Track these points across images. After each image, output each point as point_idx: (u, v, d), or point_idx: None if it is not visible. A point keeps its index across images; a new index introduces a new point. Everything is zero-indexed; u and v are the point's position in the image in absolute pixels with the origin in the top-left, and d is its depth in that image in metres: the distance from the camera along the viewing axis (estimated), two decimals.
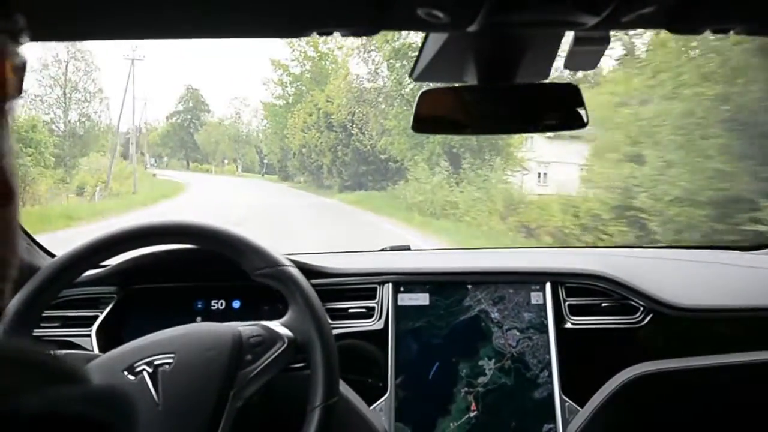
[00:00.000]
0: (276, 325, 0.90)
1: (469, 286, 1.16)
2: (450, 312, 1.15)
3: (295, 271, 0.94)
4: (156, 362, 0.83)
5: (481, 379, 1.12)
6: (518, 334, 1.14)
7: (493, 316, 1.15)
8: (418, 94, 0.72)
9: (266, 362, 0.86)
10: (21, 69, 0.28)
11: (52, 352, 0.25)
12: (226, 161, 50.13)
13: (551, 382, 1.11)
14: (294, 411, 0.87)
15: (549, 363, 1.12)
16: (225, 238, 0.95)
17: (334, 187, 20.97)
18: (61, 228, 9.90)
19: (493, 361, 1.13)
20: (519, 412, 1.11)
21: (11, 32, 0.28)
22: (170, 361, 0.83)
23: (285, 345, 0.88)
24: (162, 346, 0.85)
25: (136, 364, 0.83)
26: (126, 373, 0.82)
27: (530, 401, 1.11)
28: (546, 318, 1.14)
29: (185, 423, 0.80)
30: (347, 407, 1.02)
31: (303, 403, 0.86)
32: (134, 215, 12.90)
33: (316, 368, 0.87)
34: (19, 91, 0.28)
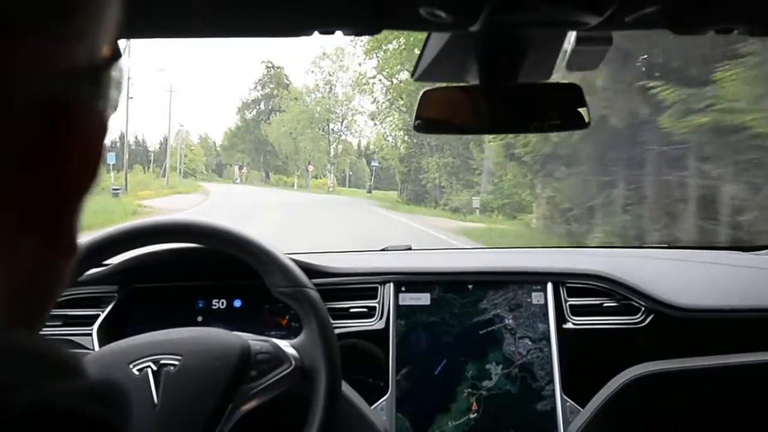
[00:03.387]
0: (286, 345, 0.90)
1: (470, 286, 1.15)
2: (465, 312, 1.14)
3: (315, 296, 0.93)
4: (162, 362, 0.82)
5: (486, 383, 1.11)
6: (530, 343, 1.13)
7: (507, 322, 1.14)
8: (420, 94, 0.72)
9: (270, 381, 0.85)
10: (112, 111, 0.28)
11: (49, 342, 0.24)
12: (311, 168, 29.50)
13: (555, 395, 1.10)
14: (292, 425, 0.86)
15: (552, 368, 1.11)
16: (252, 248, 0.94)
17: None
18: None
19: (500, 366, 1.12)
20: (520, 421, 1.10)
21: (117, 84, 0.27)
22: (176, 363, 0.82)
23: (291, 368, 0.87)
24: (170, 346, 0.85)
25: (142, 360, 0.82)
26: (131, 366, 0.82)
27: (533, 412, 1.10)
28: (547, 318, 1.14)
29: (179, 429, 0.79)
30: (348, 407, 1.02)
31: (302, 417, 0.85)
32: None
33: (317, 399, 0.86)
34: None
